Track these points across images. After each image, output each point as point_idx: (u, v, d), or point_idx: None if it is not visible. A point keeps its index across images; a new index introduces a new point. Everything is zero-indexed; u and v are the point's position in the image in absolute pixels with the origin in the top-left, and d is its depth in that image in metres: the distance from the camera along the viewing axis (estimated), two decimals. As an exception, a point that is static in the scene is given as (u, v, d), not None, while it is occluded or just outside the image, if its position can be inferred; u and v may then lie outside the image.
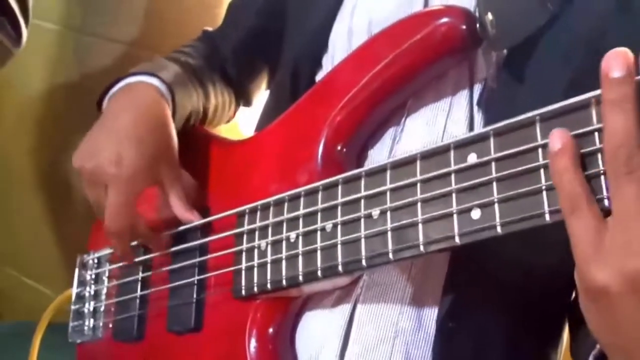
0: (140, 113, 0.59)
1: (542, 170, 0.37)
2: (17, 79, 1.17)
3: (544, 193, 0.36)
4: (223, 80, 0.73)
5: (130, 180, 0.56)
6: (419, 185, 0.43)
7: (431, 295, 0.51)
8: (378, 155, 0.55)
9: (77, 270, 0.75)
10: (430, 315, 0.51)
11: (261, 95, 0.78)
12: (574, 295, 0.54)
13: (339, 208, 0.48)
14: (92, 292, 0.73)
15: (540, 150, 0.37)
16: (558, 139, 0.34)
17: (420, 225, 0.42)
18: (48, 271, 1.31)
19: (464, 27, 0.49)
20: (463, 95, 0.53)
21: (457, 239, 0.40)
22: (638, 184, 0.31)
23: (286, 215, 0.52)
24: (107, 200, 0.57)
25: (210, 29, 0.77)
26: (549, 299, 0.54)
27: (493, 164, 0.39)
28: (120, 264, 0.69)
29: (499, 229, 0.38)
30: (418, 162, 0.44)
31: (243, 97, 0.76)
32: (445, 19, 0.49)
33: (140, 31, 1.11)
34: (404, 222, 0.43)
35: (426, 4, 0.55)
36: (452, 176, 0.41)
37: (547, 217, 0.36)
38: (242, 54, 0.73)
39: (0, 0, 0.70)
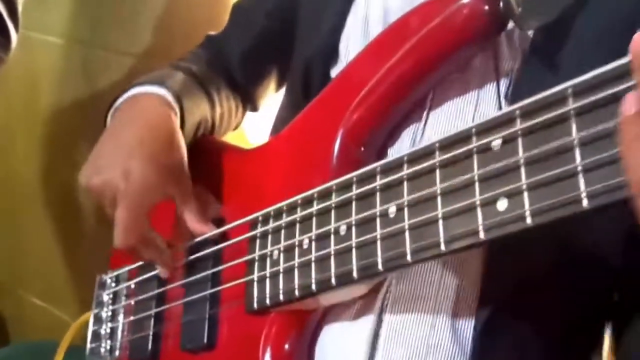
0: (148, 125, 0.56)
1: (577, 150, 0.32)
2: (27, 95, 1.18)
3: (580, 175, 0.31)
4: (228, 85, 0.70)
5: (139, 196, 0.54)
6: (437, 175, 0.38)
7: (466, 306, 0.46)
8: (398, 154, 0.50)
9: (95, 291, 0.73)
10: (466, 329, 0.46)
11: (268, 99, 0.75)
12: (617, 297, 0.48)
13: (354, 207, 0.44)
14: (110, 313, 0.70)
15: (574, 125, 0.32)
16: (634, 101, 0.28)
17: (440, 221, 0.38)
18: (59, 293, 1.30)
19: (486, 7, 0.45)
20: (490, 87, 0.49)
21: (481, 234, 0.35)
22: None
23: (298, 219, 0.48)
24: (116, 216, 0.54)
25: (213, 33, 0.74)
26: (589, 304, 0.48)
27: (520, 146, 0.34)
28: (138, 280, 0.66)
29: (528, 220, 0.33)
30: (437, 153, 0.39)
31: (250, 102, 0.73)
32: (465, 1, 0.45)
33: (149, 43, 1.11)
34: (423, 217, 0.39)
35: None
36: (475, 163, 0.37)
37: (585, 202, 0.31)
38: (249, 57, 0.70)
39: None
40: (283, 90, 0.72)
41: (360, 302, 0.49)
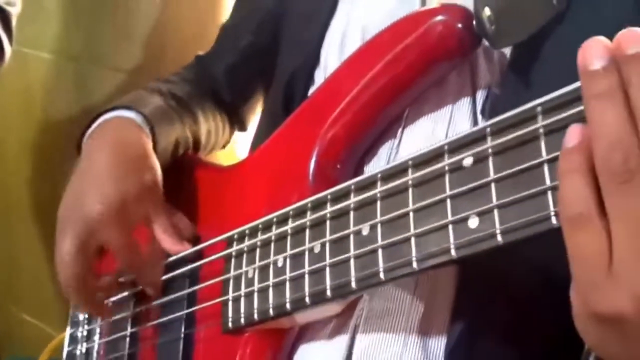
0: (118, 150, 0.56)
1: (545, 167, 0.32)
2: (21, 110, 1.17)
3: (549, 193, 0.31)
4: (215, 104, 0.69)
5: (117, 217, 0.53)
6: (410, 194, 0.38)
7: (438, 323, 0.46)
8: (375, 171, 0.50)
9: (71, 310, 0.72)
10: (438, 345, 0.46)
11: (256, 118, 0.75)
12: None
13: (328, 225, 0.43)
14: (85, 333, 0.69)
15: (542, 143, 0.32)
16: (576, 134, 0.28)
17: (413, 239, 0.37)
18: (50, 309, 1.28)
19: (460, 25, 0.45)
20: (465, 103, 0.49)
21: (453, 252, 0.35)
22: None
23: (273, 235, 0.47)
24: (109, 245, 0.54)
25: (202, 53, 0.74)
26: (569, 320, 0.48)
27: (490, 164, 0.34)
28: (114, 299, 0.65)
29: (499, 238, 0.33)
30: (410, 170, 0.39)
31: (237, 121, 0.73)
32: (439, 18, 0.45)
33: (140, 59, 1.11)
34: (396, 237, 0.38)
35: (423, 4, 0.51)
36: (447, 182, 0.36)
37: (554, 220, 0.31)
38: (236, 76, 0.70)
39: None
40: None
41: (335, 321, 0.49)
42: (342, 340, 0.48)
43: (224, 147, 0.74)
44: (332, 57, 0.55)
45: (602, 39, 0.28)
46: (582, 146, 0.28)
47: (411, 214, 0.38)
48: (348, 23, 0.55)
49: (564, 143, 0.28)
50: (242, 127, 0.74)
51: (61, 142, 1.23)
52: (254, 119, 0.74)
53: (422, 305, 0.46)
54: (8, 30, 0.73)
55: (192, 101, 0.66)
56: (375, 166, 0.51)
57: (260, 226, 0.50)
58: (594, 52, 0.27)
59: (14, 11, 0.73)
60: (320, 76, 0.56)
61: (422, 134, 0.49)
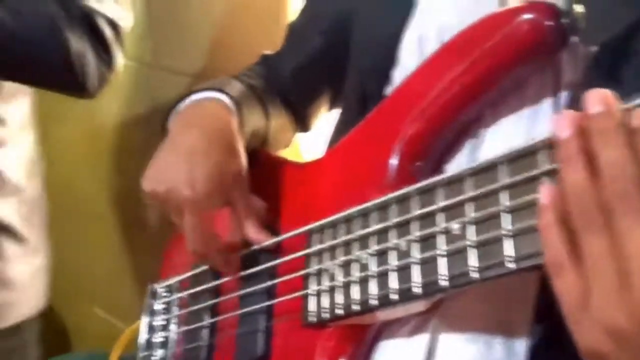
0: (209, 130, 0.57)
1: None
2: (91, 111, 1.22)
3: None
4: (282, 103, 0.71)
5: (204, 201, 0.55)
6: (503, 192, 0.38)
7: (521, 322, 0.46)
8: (455, 170, 0.50)
9: (147, 300, 0.75)
10: (522, 345, 0.45)
11: (320, 119, 0.75)
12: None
13: (415, 223, 0.44)
14: (162, 322, 0.72)
15: None
16: (546, 193, 0.33)
17: (508, 239, 0.37)
18: (121, 304, 1.33)
19: (549, 23, 0.44)
20: (547, 103, 0.48)
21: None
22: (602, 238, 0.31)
23: (356, 234, 0.48)
24: (184, 223, 0.55)
25: (268, 52, 0.75)
26: None
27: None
28: (191, 291, 0.67)
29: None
30: (502, 167, 0.39)
31: (301, 122, 0.74)
32: (527, 16, 0.45)
33: (206, 63, 1.13)
34: (489, 235, 0.38)
35: (503, 2, 0.50)
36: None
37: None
38: (303, 77, 0.70)
39: (92, 25, 0.72)
40: (334, 109, 0.72)
41: (416, 319, 0.49)
42: (423, 338, 0.48)
43: (285, 147, 0.75)
44: (410, 56, 0.55)
45: (570, 112, 0.33)
46: (554, 202, 0.32)
47: (505, 212, 0.38)
48: (425, 23, 0.55)
49: (539, 200, 0.33)
50: (306, 128, 0.75)
51: (130, 143, 1.28)
52: (318, 120, 0.75)
53: (505, 305, 0.46)
54: (118, 36, 0.76)
55: (265, 96, 0.68)
56: (454, 164, 0.51)
57: (341, 219, 0.51)
58: (560, 124, 0.33)
59: (124, 24, 0.76)
60: (398, 75, 0.56)
61: (505, 133, 0.49)
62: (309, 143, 0.86)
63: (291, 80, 0.71)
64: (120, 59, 0.77)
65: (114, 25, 0.74)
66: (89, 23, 0.71)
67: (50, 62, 0.70)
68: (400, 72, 0.56)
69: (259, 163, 0.65)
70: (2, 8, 0.67)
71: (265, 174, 0.64)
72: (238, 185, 0.58)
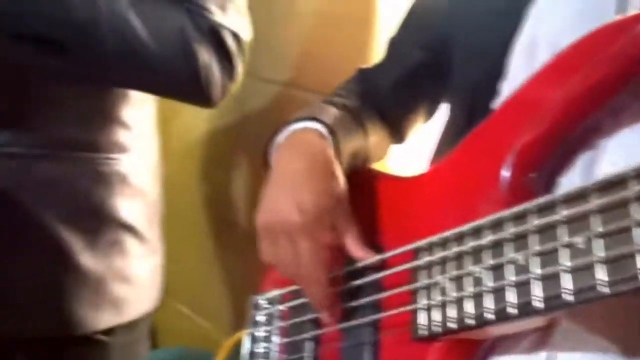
0: (308, 157, 0.60)
1: None
2: (186, 115, 1.28)
3: None
4: (379, 117, 0.71)
5: (316, 226, 0.57)
6: (634, 206, 0.37)
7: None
8: (569, 182, 0.49)
9: (250, 311, 0.77)
10: None
11: (415, 131, 0.76)
12: None
13: (533, 238, 0.43)
14: (265, 334, 0.73)
15: None
16: None
17: (641, 254, 0.36)
18: (205, 303, 1.38)
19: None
20: None
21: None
22: None
23: (469, 246, 0.48)
24: (299, 252, 0.57)
25: (366, 66, 0.77)
26: None
27: None
28: (293, 304, 0.69)
29: None
30: (633, 181, 0.38)
31: (398, 134, 0.74)
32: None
33: (294, 71, 1.16)
34: (619, 250, 0.37)
35: (620, 8, 0.49)
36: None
37: None
38: (401, 91, 0.71)
39: (218, 38, 0.76)
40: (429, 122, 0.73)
41: (533, 335, 0.48)
42: (541, 357, 0.47)
43: (379, 160, 0.76)
44: (519, 68, 0.55)
45: None
46: None
47: (638, 227, 0.36)
48: (535, 34, 0.55)
49: None
50: (401, 140, 0.75)
51: (221, 147, 1.33)
52: (413, 132, 0.75)
53: (628, 324, 0.44)
54: (240, 47, 0.79)
55: (361, 114, 0.69)
56: (570, 177, 0.49)
57: (451, 237, 0.50)
58: None
59: (246, 36, 0.80)
60: (507, 88, 0.55)
61: (626, 145, 0.47)
62: (396, 155, 0.87)
63: (390, 94, 0.72)
64: (240, 70, 0.80)
65: (236, 37, 0.78)
66: (215, 36, 0.75)
67: (179, 73, 0.75)
68: (509, 84, 0.55)
69: (360, 179, 0.66)
70: (137, 20, 0.71)
71: (367, 190, 0.65)
72: (340, 206, 0.60)
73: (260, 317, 0.75)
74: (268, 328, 0.73)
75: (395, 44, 0.75)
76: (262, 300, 0.75)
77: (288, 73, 1.16)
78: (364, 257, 0.59)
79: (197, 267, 1.41)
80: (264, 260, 0.63)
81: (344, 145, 0.64)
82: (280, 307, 0.72)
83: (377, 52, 1.04)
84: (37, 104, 0.79)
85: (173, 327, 1.48)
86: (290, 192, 0.58)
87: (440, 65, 0.66)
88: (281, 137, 0.65)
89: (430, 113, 0.74)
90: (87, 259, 0.83)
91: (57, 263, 0.82)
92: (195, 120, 1.35)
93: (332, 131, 0.63)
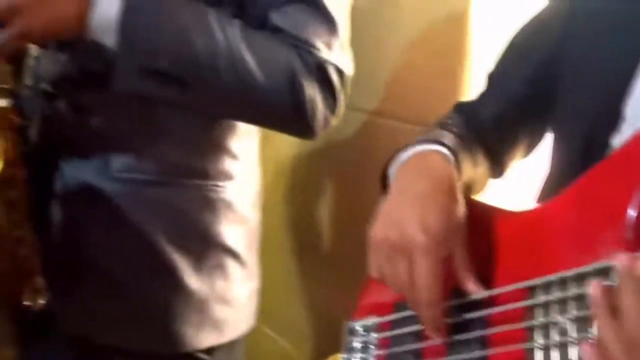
0: (437, 181, 0.60)
1: None
2: (276, 140, 1.31)
3: None
4: (482, 150, 0.72)
5: (438, 248, 0.57)
6: None
7: None
8: None
9: (346, 337, 0.78)
10: None
11: (515, 165, 0.75)
12: None
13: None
14: (362, 345, 0.74)
15: None
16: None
17: None
18: (288, 325, 1.40)
19: None
20: None
21: None
22: None
23: (593, 290, 0.47)
24: (416, 270, 0.57)
25: (464, 100, 0.77)
26: None
27: None
28: (393, 333, 0.69)
29: None
30: None
31: (498, 168, 0.74)
32: None
33: (382, 100, 1.18)
34: None
35: None
36: None
37: None
38: (504, 124, 0.71)
39: (324, 73, 0.79)
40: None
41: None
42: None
43: (479, 192, 0.76)
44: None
45: None
46: None
47: None
48: None
49: None
50: (500, 174, 0.75)
51: (304, 171, 1.36)
52: (513, 166, 0.75)
53: None
54: (342, 81, 0.82)
55: (471, 144, 0.69)
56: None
57: (572, 276, 0.50)
58: None
59: (348, 71, 0.83)
60: (629, 126, 0.55)
61: None
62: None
63: (492, 128, 0.72)
64: (342, 104, 0.82)
65: (340, 72, 0.81)
66: (321, 71, 0.78)
67: (286, 107, 0.78)
68: (630, 124, 0.54)
69: (470, 210, 0.65)
70: (249, 56, 0.75)
71: (477, 221, 0.64)
72: (460, 233, 0.60)
73: (356, 344, 0.76)
74: (364, 355, 0.74)
75: (495, 78, 0.75)
76: (358, 327, 0.76)
77: (376, 102, 1.19)
78: (475, 290, 0.59)
79: (281, 289, 1.44)
80: (371, 274, 0.62)
81: (463, 170, 0.64)
82: (377, 335, 0.73)
83: (467, 83, 1.05)
84: (155, 133, 0.85)
85: (258, 348, 1.51)
86: (415, 211, 0.58)
87: (546, 99, 0.66)
88: (403, 158, 0.66)
89: (532, 146, 0.74)
90: (193, 280, 0.88)
91: (165, 282, 0.87)
92: (284, 145, 1.39)
93: (455, 155, 0.63)
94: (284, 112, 0.79)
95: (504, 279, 0.58)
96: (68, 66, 0.84)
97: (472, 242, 0.64)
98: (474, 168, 0.68)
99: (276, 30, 0.80)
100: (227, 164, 0.89)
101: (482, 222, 0.65)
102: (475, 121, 0.74)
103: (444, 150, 0.63)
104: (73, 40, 0.78)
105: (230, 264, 0.91)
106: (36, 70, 0.87)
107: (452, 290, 0.62)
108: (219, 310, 0.91)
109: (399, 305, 0.68)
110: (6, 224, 0.82)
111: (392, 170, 0.66)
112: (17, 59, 0.82)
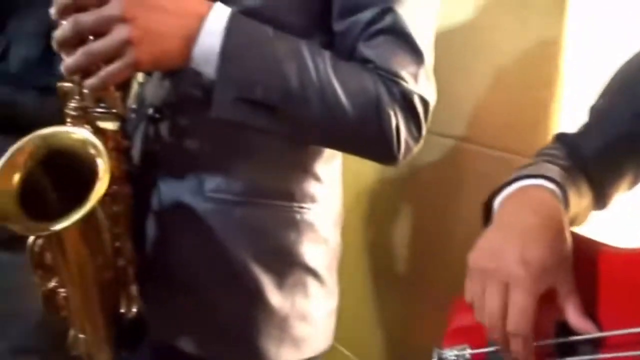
0: (545, 217, 0.60)
1: None
2: (357, 163, 1.35)
3: None
4: (586, 182, 0.71)
5: (536, 283, 0.57)
6: None
7: None
8: None
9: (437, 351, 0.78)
10: None
11: (619, 198, 0.74)
12: None
13: None
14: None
15: None
16: None
17: None
18: (361, 343, 1.41)
19: None
20: None
21: None
22: None
23: None
24: (510, 301, 0.57)
25: (565, 132, 0.77)
26: None
27: None
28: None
29: None
30: None
31: (602, 201, 0.73)
32: None
33: (469, 126, 1.18)
34: None
35: None
36: None
37: None
38: (609, 157, 0.71)
39: (409, 103, 0.82)
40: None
41: None
42: None
43: (581, 225, 0.75)
44: None
45: None
46: None
47: None
48: None
49: None
50: (603, 207, 0.74)
51: (384, 195, 1.38)
52: (616, 199, 0.74)
53: None
54: (426, 110, 0.85)
55: (576, 177, 0.69)
56: None
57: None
58: None
59: (432, 100, 0.85)
60: None
61: None
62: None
63: (597, 161, 0.72)
64: (424, 133, 0.85)
65: (424, 101, 0.83)
66: (406, 101, 0.81)
67: (371, 136, 0.81)
68: None
69: (577, 245, 0.64)
70: (337, 84, 0.79)
71: (584, 258, 0.63)
72: (565, 269, 0.59)
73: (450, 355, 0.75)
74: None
75: (600, 111, 0.75)
76: (449, 355, 0.75)
77: (463, 128, 1.19)
78: (585, 328, 0.58)
79: (358, 310, 1.46)
80: (466, 299, 0.63)
81: (571, 207, 0.64)
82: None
83: (558, 113, 1.04)
84: (246, 157, 0.90)
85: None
86: (518, 243, 0.58)
87: None
88: (509, 191, 0.66)
89: (638, 179, 0.73)
90: (275, 297, 0.92)
91: (249, 298, 0.91)
92: (365, 167, 1.42)
93: (564, 192, 0.63)
94: (369, 140, 0.82)
95: (616, 321, 0.57)
96: (170, 92, 0.91)
97: (580, 279, 0.62)
98: (579, 200, 0.68)
99: (364, 61, 0.83)
100: (312, 186, 0.93)
101: (583, 257, 0.63)
102: (579, 153, 0.74)
103: (552, 186, 0.63)
104: (176, 69, 0.84)
105: (311, 282, 0.95)
106: (141, 95, 0.95)
107: (551, 328, 0.61)
108: (298, 328, 0.94)
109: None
110: (109, 236, 0.88)
111: (497, 202, 0.67)
112: (124, 85, 0.89)
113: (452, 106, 1.20)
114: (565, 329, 0.60)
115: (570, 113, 1.02)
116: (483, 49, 1.16)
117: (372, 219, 1.46)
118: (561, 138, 0.77)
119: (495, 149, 1.14)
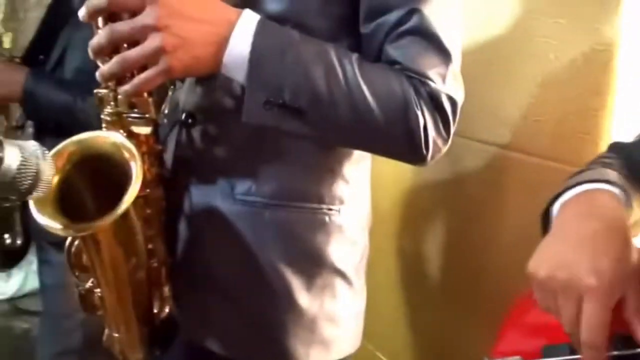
0: (608, 222, 0.58)
1: None
2: (394, 167, 1.35)
3: None
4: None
5: (609, 293, 0.56)
6: None
7: None
8: None
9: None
10: None
11: None
12: None
13: None
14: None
15: None
16: None
17: None
18: (391, 344, 1.40)
19: None
20: None
21: None
22: None
23: None
24: (584, 313, 0.56)
25: (621, 141, 0.76)
26: None
27: None
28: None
29: None
30: None
31: None
32: None
33: (511, 134, 1.16)
34: None
35: None
36: None
37: None
38: None
39: (437, 103, 0.82)
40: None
41: None
42: None
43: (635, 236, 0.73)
44: None
45: None
46: None
47: None
48: None
49: None
50: None
51: (421, 200, 1.37)
52: None
53: None
54: (454, 112, 0.84)
55: (633, 185, 0.67)
56: None
57: None
58: None
59: (460, 100, 0.84)
60: None
61: None
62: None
63: None
64: (453, 132, 0.84)
65: (453, 101, 0.82)
66: (434, 101, 0.81)
67: (400, 136, 0.81)
68: None
69: None
70: (365, 86, 0.80)
71: None
72: (634, 277, 0.57)
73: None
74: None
75: None
76: None
77: (505, 135, 1.17)
78: None
79: (394, 315, 1.46)
80: (541, 308, 0.61)
81: (634, 211, 0.63)
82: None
83: (609, 122, 1.01)
84: (275, 160, 0.91)
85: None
86: (585, 252, 0.56)
87: None
88: (568, 196, 0.65)
89: None
90: (304, 299, 0.92)
91: (279, 299, 0.92)
92: (403, 172, 1.41)
93: (627, 195, 0.61)
94: (397, 141, 0.82)
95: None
96: (202, 98, 0.93)
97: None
98: (637, 209, 0.66)
99: (392, 63, 0.83)
100: (341, 188, 0.94)
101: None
102: (633, 162, 0.71)
103: (614, 189, 0.61)
104: (208, 76, 0.86)
105: (339, 284, 0.95)
106: (174, 100, 0.97)
107: (616, 339, 0.59)
108: (327, 329, 0.94)
109: (548, 350, 0.66)
110: (142, 238, 0.91)
111: (556, 207, 0.65)
112: (159, 91, 0.92)
113: (497, 113, 1.18)
114: (622, 340, 0.58)
115: (622, 122, 1.00)
116: (531, 56, 1.14)
117: (406, 224, 1.46)
118: (616, 147, 0.75)
119: (541, 158, 1.11)
